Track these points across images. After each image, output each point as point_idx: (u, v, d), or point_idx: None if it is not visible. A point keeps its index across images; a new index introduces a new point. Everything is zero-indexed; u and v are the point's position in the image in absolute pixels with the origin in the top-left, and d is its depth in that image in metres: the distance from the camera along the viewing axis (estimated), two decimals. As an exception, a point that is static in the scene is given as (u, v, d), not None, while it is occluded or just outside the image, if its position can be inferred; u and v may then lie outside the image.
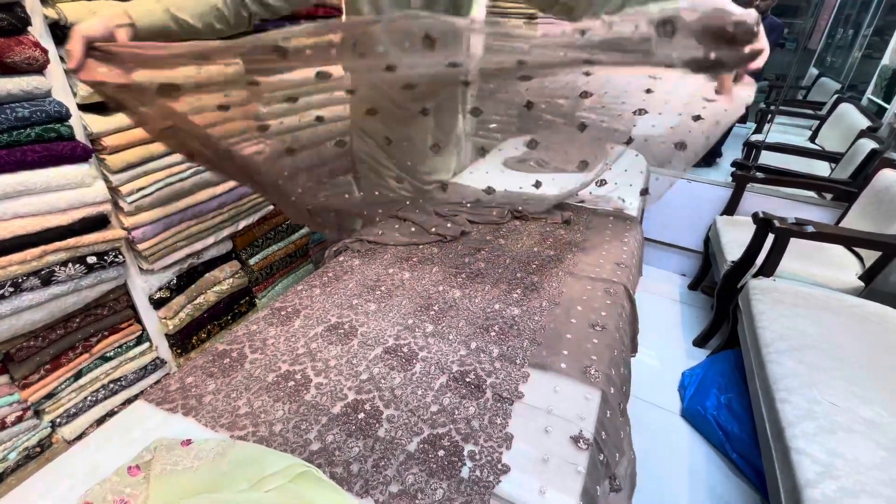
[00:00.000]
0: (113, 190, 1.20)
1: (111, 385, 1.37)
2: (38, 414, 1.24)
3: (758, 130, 3.57)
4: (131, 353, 1.39)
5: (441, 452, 0.75)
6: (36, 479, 0.67)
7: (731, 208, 2.30)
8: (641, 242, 1.48)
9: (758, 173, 2.23)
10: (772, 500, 1.16)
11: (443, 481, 0.71)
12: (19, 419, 1.18)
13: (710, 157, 3.47)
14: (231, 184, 1.45)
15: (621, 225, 1.51)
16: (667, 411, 1.79)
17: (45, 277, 1.10)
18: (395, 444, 0.75)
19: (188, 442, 0.68)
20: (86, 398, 1.32)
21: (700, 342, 2.12)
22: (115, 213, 1.24)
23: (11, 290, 1.06)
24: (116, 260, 1.22)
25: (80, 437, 1.29)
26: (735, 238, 2.04)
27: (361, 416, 0.79)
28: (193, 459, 0.65)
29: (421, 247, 1.36)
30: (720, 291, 1.98)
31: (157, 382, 0.94)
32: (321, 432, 0.76)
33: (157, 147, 1.25)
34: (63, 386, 1.26)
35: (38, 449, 1.22)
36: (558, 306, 1.11)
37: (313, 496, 0.63)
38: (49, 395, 1.23)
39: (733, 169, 2.46)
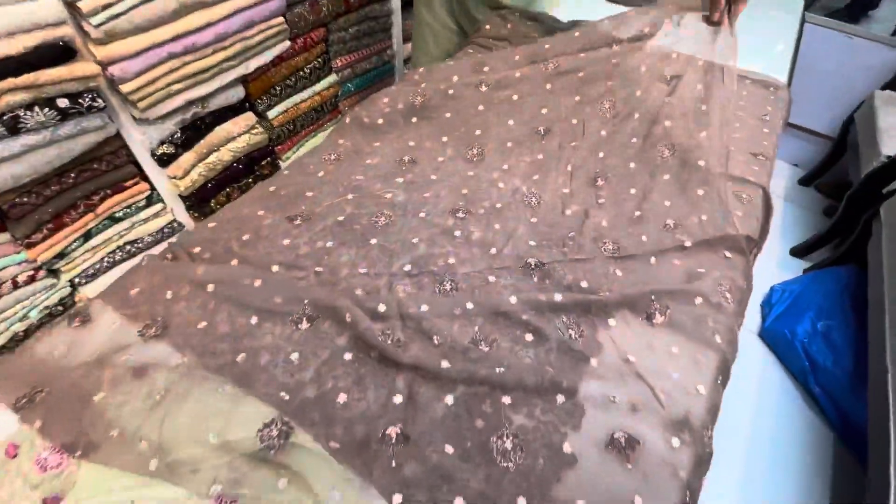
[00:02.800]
0: (71, 6, 0.90)
1: (128, 247, 1.26)
2: (54, 273, 1.17)
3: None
4: (143, 215, 1.25)
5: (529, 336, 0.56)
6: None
7: (903, 80, 1.69)
8: (785, 120, 1.05)
9: (966, 28, 1.55)
10: (872, 448, 0.97)
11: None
12: (31, 279, 1.11)
13: (857, 9, 2.54)
14: (231, 6, 1.10)
15: (761, 94, 1.07)
16: (742, 326, 1.55)
17: (10, 124, 0.89)
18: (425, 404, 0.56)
19: (143, 372, 0.51)
20: (103, 259, 1.23)
21: (801, 252, 1.76)
22: (84, 41, 0.96)
23: (-30, 137, 0.86)
24: (96, 104, 0.98)
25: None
26: (901, 124, 1.50)
27: (375, 354, 0.59)
28: (145, 398, 0.49)
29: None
30: (854, 194, 1.54)
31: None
32: (321, 372, 0.57)
33: (120, -58, 0.89)
34: (74, 246, 1.15)
35: (60, 308, 1.18)
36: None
37: (303, 465, 0.46)
38: (60, 255, 1.14)
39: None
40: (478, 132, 0.96)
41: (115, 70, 0.99)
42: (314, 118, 1.53)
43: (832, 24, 1.80)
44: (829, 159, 1.94)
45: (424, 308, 0.62)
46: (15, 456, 0.44)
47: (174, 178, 1.24)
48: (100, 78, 0.98)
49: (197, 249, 0.69)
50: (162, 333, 0.55)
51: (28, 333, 1.14)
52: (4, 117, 0.89)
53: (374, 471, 0.49)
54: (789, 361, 1.44)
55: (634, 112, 0.96)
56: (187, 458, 0.43)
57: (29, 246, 1.09)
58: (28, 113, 0.91)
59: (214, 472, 0.43)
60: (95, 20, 0.93)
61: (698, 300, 0.71)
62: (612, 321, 0.64)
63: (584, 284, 0.67)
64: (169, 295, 0.61)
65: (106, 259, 1.24)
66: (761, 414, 1.35)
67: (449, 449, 0.51)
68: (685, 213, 0.79)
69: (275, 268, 0.66)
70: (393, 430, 0.52)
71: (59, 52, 0.91)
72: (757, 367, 1.46)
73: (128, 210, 1.22)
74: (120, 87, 1.01)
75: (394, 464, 0.50)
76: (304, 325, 0.60)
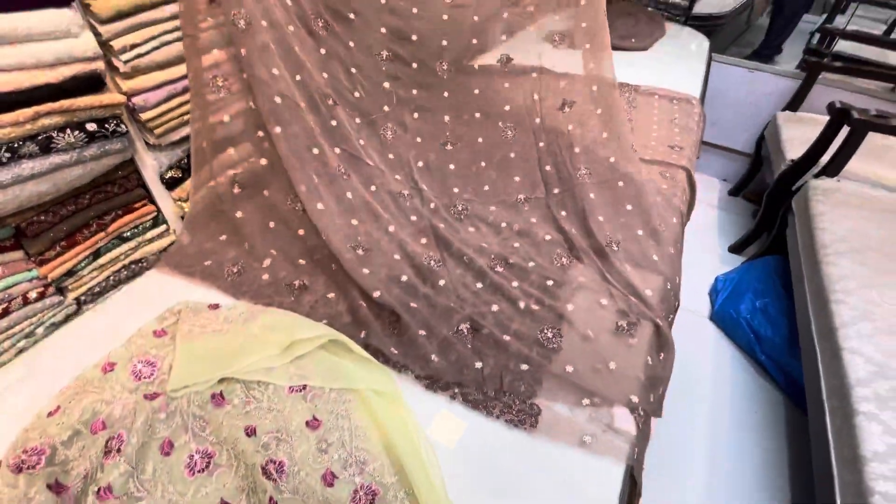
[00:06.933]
0: (104, 46, 1.05)
1: (132, 266, 1.33)
2: (61, 291, 1.22)
3: (828, 20, 3.13)
4: (149, 235, 1.33)
5: (486, 330, 0.69)
6: (54, 339, 0.62)
7: (795, 102, 2.05)
8: (699, 125, 1.30)
9: (834, 62, 1.94)
10: (809, 400, 1.13)
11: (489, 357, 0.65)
12: (41, 295, 1.16)
13: (767, 52, 3.08)
14: (238, 49, 1.28)
15: (668, 105, 1.32)
16: (695, 314, 1.75)
17: (44, 144, 1.00)
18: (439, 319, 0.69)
19: (216, 306, 0.62)
20: (108, 278, 1.29)
21: (737, 249, 2.02)
22: (111, 75, 1.09)
23: (8, 155, 0.96)
24: (119, 129, 1.10)
25: (103, 301, 1.27)
26: (797, 135, 1.83)
27: (397, 291, 0.72)
28: (223, 322, 0.59)
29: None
30: (771, 194, 1.82)
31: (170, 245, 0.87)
32: (354, 305, 0.69)
33: (149, -6, 1.06)
34: (83, 264, 1.22)
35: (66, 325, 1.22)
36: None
37: (347, 365, 0.57)
38: (69, 273, 1.20)
39: (803, 57, 2.15)
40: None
41: (137, 100, 1.12)
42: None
43: (733, 61, 2.18)
44: (750, 171, 2.26)
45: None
46: (111, 370, 0.53)
47: (179, 200, 1.35)
48: (122, 107, 1.11)
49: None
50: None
51: (35, 349, 1.17)
52: (39, 137, 1.00)
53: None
54: (737, 337, 1.63)
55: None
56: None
57: (41, 263, 1.15)
58: (60, 134, 1.02)
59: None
60: (124, 57, 1.07)
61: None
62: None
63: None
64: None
65: (111, 278, 1.29)
66: (718, 386, 1.52)
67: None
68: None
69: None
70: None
71: (92, 83, 1.05)
72: (711, 347, 1.65)
73: (135, 230, 1.30)
74: (140, 115, 1.15)
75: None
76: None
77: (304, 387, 0.53)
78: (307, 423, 0.51)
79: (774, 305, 1.58)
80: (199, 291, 0.71)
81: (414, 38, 1.28)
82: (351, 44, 1.14)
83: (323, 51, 1.13)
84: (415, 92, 1.22)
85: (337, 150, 1.15)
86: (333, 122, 1.14)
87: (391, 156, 1.15)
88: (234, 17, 1.06)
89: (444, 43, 1.25)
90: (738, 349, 1.62)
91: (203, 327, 0.58)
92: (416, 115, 1.19)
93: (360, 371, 0.56)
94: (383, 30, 1.22)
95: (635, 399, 0.63)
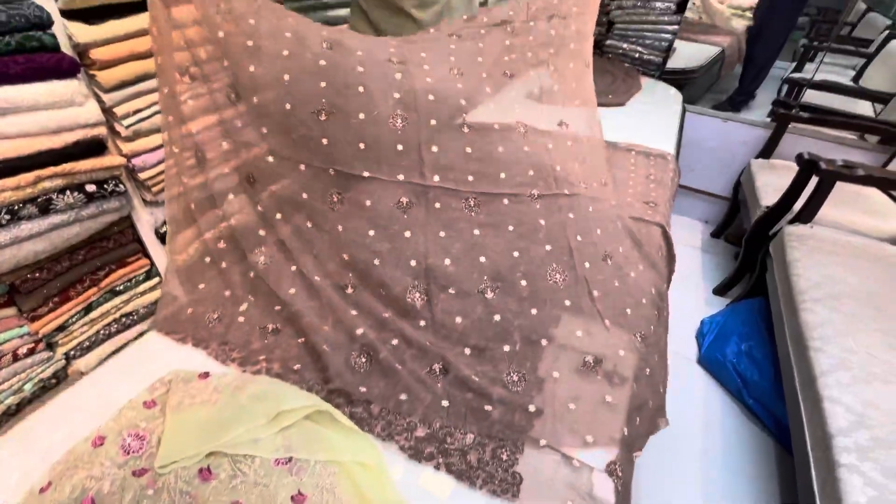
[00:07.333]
0: (107, 112, 1.10)
1: (123, 319, 1.34)
2: (50, 346, 1.22)
3: (797, 69, 3.31)
4: (141, 288, 1.35)
5: (469, 395, 0.70)
6: (47, 411, 0.63)
7: (767, 151, 2.15)
8: (674, 181, 1.37)
9: (802, 112, 2.05)
10: (795, 449, 1.14)
11: (472, 424, 0.67)
12: (31, 351, 1.16)
13: (741, 98, 3.24)
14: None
15: (644, 160, 1.39)
16: (683, 357, 1.77)
17: (43, 206, 1.03)
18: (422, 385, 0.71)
19: (206, 375, 0.63)
20: (98, 332, 1.29)
21: (721, 291, 2.06)
22: (112, 138, 1.15)
23: (8, 217, 0.99)
24: (117, 189, 1.14)
25: (95, 370, 1.27)
26: (771, 182, 1.91)
27: (383, 355, 0.74)
28: (212, 392, 0.61)
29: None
30: (749, 239, 1.89)
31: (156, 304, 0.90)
32: (339, 371, 0.71)
33: (153, 65, 1.13)
34: (74, 319, 1.23)
35: (53, 380, 1.21)
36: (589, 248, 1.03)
37: (332, 436, 0.59)
38: (60, 328, 1.21)
39: (773, 108, 2.28)
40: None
41: (137, 161, 1.17)
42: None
43: (707, 112, 2.30)
44: (729, 215, 2.34)
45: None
46: (101, 445, 0.54)
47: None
48: (122, 168, 1.15)
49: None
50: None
51: (20, 407, 1.16)
52: (38, 200, 1.03)
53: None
54: (725, 380, 1.65)
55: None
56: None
57: (34, 319, 1.16)
58: (60, 196, 1.05)
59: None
60: (126, 122, 1.13)
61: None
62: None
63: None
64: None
65: (101, 332, 1.30)
66: (708, 430, 1.52)
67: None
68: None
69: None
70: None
71: (93, 146, 1.09)
72: (700, 390, 1.66)
73: (128, 283, 1.32)
74: (139, 174, 1.19)
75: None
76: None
77: (290, 459, 0.55)
78: (292, 498, 0.52)
79: (759, 349, 1.61)
80: (189, 352, 0.72)
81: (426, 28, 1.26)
82: (359, 53, 1.10)
83: (323, 62, 1.08)
84: (426, 68, 1.13)
85: (331, 172, 1.11)
86: (325, 141, 1.10)
87: (400, 147, 1.07)
88: (228, 91, 1.11)
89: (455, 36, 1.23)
90: (727, 392, 1.63)
91: (193, 398, 0.59)
92: (430, 97, 1.10)
93: (344, 442, 0.58)
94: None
95: (613, 459, 0.65)
